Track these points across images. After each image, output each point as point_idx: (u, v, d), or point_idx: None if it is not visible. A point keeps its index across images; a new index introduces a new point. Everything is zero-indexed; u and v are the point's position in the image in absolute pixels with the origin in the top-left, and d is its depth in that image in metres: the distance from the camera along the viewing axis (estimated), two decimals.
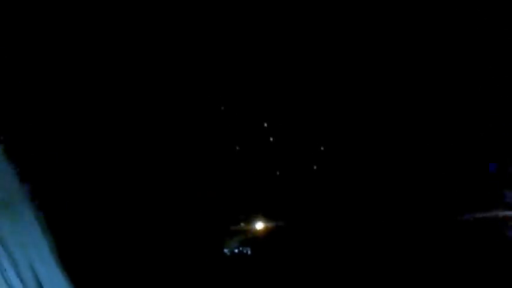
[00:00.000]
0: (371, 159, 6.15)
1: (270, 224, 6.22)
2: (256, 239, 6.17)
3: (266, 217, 6.20)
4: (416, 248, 5.84)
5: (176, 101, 5.87)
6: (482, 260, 5.61)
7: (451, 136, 5.98)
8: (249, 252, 6.14)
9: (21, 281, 2.94)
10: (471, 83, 5.89)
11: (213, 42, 5.82)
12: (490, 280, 5.42)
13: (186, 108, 5.94)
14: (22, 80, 4.91)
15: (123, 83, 5.59)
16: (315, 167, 6.24)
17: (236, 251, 6.12)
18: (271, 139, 6.24)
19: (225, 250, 6.11)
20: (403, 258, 5.83)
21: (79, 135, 5.33)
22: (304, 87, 6.08)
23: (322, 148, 6.24)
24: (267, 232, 6.20)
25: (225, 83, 6.01)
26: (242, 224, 6.21)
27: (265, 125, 6.21)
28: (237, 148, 6.19)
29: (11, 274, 2.88)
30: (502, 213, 5.87)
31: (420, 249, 5.83)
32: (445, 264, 5.67)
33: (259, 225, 6.21)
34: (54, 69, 5.24)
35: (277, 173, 6.23)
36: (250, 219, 6.20)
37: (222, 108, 6.06)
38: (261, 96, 6.10)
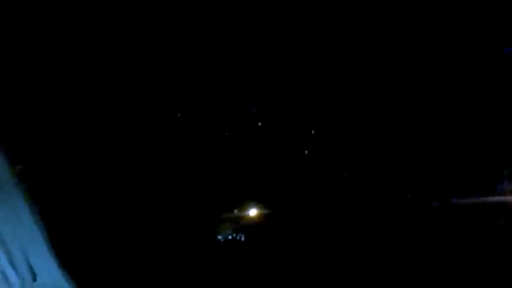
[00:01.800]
0: (363, 145, 6.16)
1: (264, 211, 6.23)
2: (249, 226, 6.19)
3: (259, 204, 6.22)
4: (411, 233, 5.87)
5: (164, 93, 5.86)
6: (478, 244, 5.62)
7: (447, 121, 5.98)
8: (243, 238, 6.15)
9: (15, 269, 2.92)
10: (462, 73, 5.89)
11: (204, 41, 5.81)
12: (486, 264, 5.44)
13: (176, 100, 5.93)
14: (14, 74, 4.88)
15: (112, 82, 5.57)
16: (306, 153, 6.25)
17: (230, 237, 6.14)
18: (264, 128, 6.24)
19: (219, 237, 6.12)
20: (396, 242, 5.85)
21: (71, 125, 5.31)
22: (292, 77, 6.08)
23: (313, 134, 6.25)
24: (260, 219, 6.22)
25: (215, 75, 6.00)
26: (236, 211, 6.23)
27: (258, 114, 6.21)
28: (230, 137, 6.19)
29: (4, 262, 2.86)
30: (500, 199, 5.88)
31: (413, 234, 5.85)
32: (440, 249, 5.69)
33: (253, 212, 6.23)
34: (43, 64, 5.21)
35: (270, 160, 6.23)
36: (243, 206, 6.21)
37: (212, 98, 6.05)
38: (251, 85, 6.09)
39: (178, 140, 5.96)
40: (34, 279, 2.94)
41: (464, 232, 5.77)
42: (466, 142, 5.99)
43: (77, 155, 5.27)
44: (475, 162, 5.97)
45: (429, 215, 5.98)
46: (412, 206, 6.02)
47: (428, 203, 6.01)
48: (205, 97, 6.05)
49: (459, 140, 6.01)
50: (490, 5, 5.59)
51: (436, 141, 6.04)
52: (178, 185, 5.85)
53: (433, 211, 6.00)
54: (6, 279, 2.95)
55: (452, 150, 6.01)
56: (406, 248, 5.76)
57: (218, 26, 5.79)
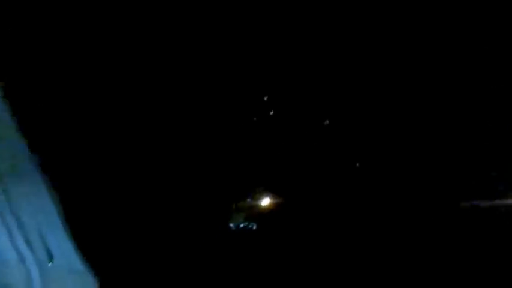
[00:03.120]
0: (377, 137, 6.14)
1: (276, 200, 6.22)
2: (262, 215, 6.18)
3: (272, 193, 6.21)
4: (420, 233, 5.84)
5: (168, 83, 5.85)
6: (484, 249, 5.60)
7: (451, 123, 5.95)
8: (255, 227, 6.15)
9: (31, 249, 2.92)
10: (467, 74, 5.85)
11: (200, 39, 5.80)
12: (491, 270, 5.41)
13: (184, 86, 5.92)
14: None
15: (108, 81, 5.57)
16: (321, 142, 6.23)
17: (242, 226, 6.14)
18: (276, 115, 6.22)
19: (231, 225, 6.12)
20: (404, 234, 5.84)
21: (95, 114, 5.30)
22: (305, 67, 6.06)
23: (328, 122, 6.22)
24: (273, 208, 6.21)
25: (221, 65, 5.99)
26: (248, 200, 6.22)
27: (269, 100, 6.20)
28: (243, 123, 6.18)
29: (19, 240, 2.86)
30: (503, 202, 5.85)
31: (422, 235, 5.83)
32: (445, 252, 5.67)
33: (266, 201, 6.22)
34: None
35: (284, 148, 6.22)
36: (256, 194, 6.21)
37: (224, 83, 6.04)
38: (262, 71, 6.07)
39: (191, 127, 5.95)
40: (50, 260, 2.93)
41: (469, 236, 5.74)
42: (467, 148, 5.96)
43: (98, 143, 5.27)
44: (477, 165, 5.93)
45: (434, 216, 5.95)
46: (420, 206, 5.99)
47: (433, 205, 5.98)
48: (218, 86, 6.05)
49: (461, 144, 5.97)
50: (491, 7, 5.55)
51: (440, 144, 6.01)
52: (188, 170, 5.85)
53: (438, 214, 5.97)
54: (22, 259, 2.95)
55: (455, 154, 5.98)
56: (416, 246, 5.75)
57: (218, 26, 5.77)
